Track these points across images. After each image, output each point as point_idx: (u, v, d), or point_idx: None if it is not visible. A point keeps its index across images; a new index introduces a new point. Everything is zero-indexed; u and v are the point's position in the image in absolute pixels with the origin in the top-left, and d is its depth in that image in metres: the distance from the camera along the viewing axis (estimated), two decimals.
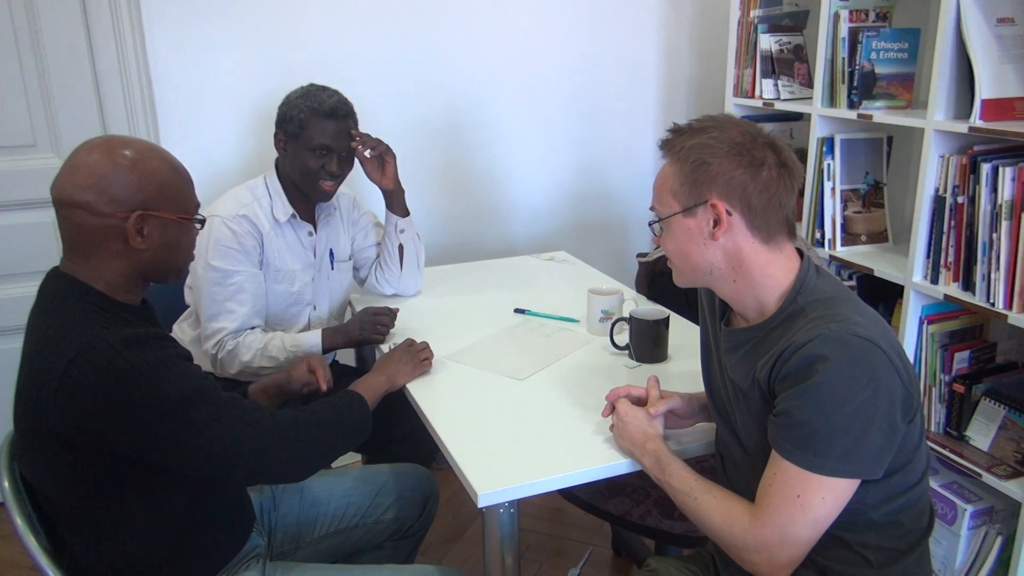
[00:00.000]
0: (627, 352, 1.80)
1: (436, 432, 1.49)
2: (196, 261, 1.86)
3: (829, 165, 2.33)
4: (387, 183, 2.07)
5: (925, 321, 2.09)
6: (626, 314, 1.86)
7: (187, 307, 2.01)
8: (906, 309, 2.09)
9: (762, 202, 1.18)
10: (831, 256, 2.33)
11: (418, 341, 1.74)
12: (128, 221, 1.20)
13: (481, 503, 1.29)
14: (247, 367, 1.84)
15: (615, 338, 1.82)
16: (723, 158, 1.17)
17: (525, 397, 1.62)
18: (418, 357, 1.69)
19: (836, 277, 1.24)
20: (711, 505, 1.20)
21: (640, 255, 2.18)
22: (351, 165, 1.98)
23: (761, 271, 1.21)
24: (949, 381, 2.06)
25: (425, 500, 1.75)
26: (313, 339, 1.88)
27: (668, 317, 1.77)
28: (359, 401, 1.47)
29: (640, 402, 1.43)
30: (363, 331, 1.87)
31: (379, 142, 2.02)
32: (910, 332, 2.10)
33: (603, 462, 1.37)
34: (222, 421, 1.21)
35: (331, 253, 2.08)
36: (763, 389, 1.17)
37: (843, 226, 2.34)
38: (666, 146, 1.24)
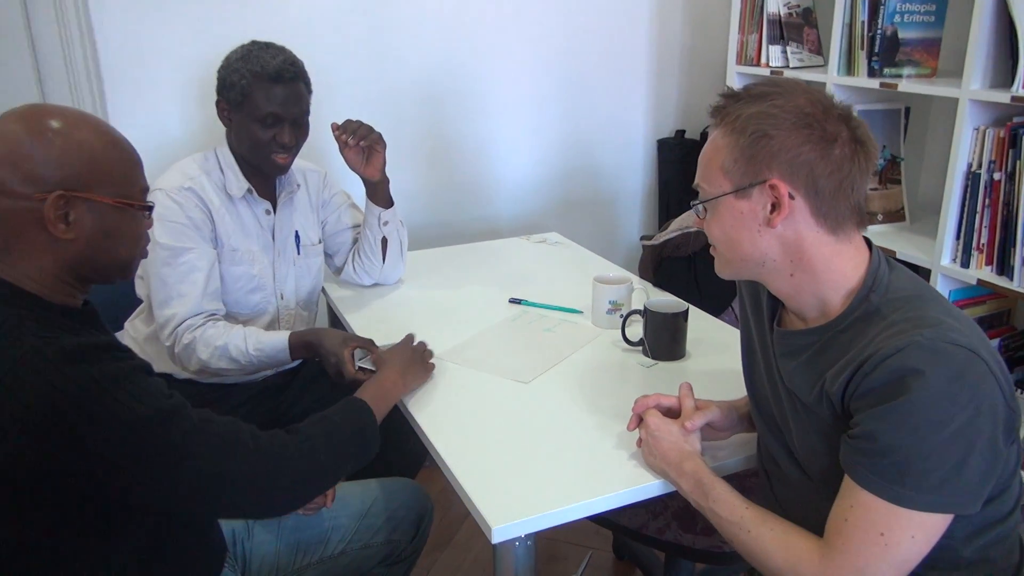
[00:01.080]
0: (640, 348, 1.62)
1: (437, 450, 1.29)
2: None
3: None
4: (373, 174, 1.85)
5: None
6: (636, 305, 1.68)
7: (141, 302, 1.78)
8: None
9: (831, 185, 0.99)
10: None
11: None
12: (46, 203, 0.98)
13: (495, 538, 1.10)
14: (206, 367, 1.62)
15: (627, 333, 1.63)
16: (788, 131, 0.98)
17: (532, 404, 1.43)
18: (426, 358, 1.51)
19: (911, 271, 1.07)
20: (769, 540, 1.02)
21: (644, 238, 2.00)
22: (306, 132, 1.74)
23: (825, 265, 1.03)
24: None
25: (419, 520, 1.56)
26: (280, 343, 1.63)
27: (687, 310, 1.58)
28: (364, 413, 1.27)
29: (672, 413, 1.25)
30: (337, 364, 1.54)
31: (370, 130, 1.80)
32: None
33: (632, 483, 1.19)
34: (194, 448, 1.00)
35: (297, 236, 1.85)
36: (835, 404, 0.99)
37: None
38: (719, 113, 1.04)
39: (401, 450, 1.80)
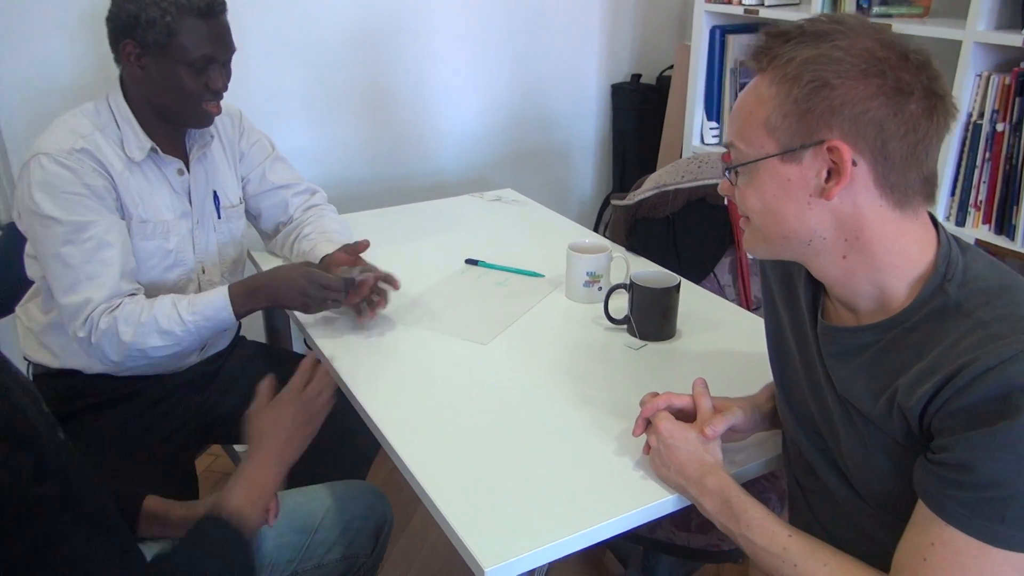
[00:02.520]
0: (626, 327, 1.43)
1: (407, 467, 1.08)
2: (28, 218, 1.34)
3: None
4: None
5: None
6: (615, 277, 1.49)
7: (32, 283, 1.49)
8: None
9: (904, 149, 0.80)
10: None
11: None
12: None
13: None
14: (131, 350, 1.35)
15: (610, 309, 1.44)
16: (854, 80, 0.79)
17: (512, 397, 1.23)
18: (314, 408, 1.16)
19: (987, 254, 0.90)
20: None
21: (615, 196, 1.80)
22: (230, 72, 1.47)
23: (887, 246, 0.84)
24: None
25: (378, 530, 1.35)
26: (219, 300, 1.39)
27: (679, 284, 1.40)
28: (231, 548, 0.96)
29: (684, 416, 1.07)
30: (307, 301, 1.40)
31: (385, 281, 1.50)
32: None
33: (642, 500, 1.01)
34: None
35: (215, 197, 1.57)
36: (911, 421, 0.82)
37: None
38: (764, 56, 0.83)
39: (350, 446, 1.58)
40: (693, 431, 1.02)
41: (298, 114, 2.30)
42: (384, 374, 1.30)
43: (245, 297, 1.41)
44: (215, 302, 1.39)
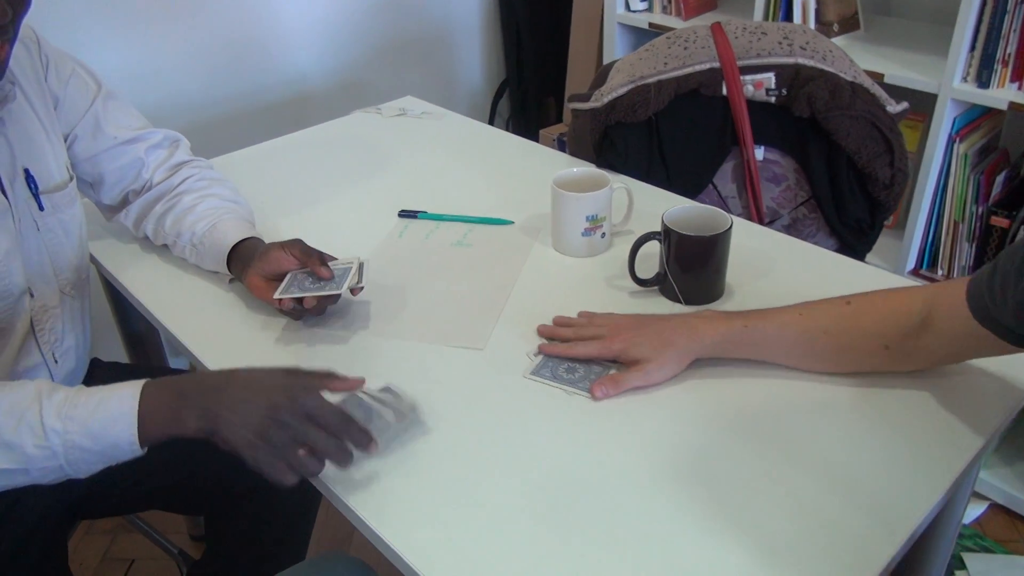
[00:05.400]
0: (657, 288, 1.05)
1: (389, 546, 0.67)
2: None
3: None
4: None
5: (956, 139, 1.54)
6: (615, 217, 1.09)
7: None
8: (937, 127, 1.51)
9: None
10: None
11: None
12: None
13: None
14: None
15: (636, 270, 1.04)
16: None
17: (541, 430, 0.83)
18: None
19: None
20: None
21: (577, 98, 1.37)
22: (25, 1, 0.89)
23: None
24: (984, 213, 1.56)
25: None
26: (116, 403, 0.76)
27: (731, 225, 1.01)
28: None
29: None
30: (269, 432, 0.75)
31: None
32: (936, 156, 1.55)
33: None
34: None
35: (30, 180, 1.01)
36: None
37: (816, 12, 1.67)
38: None
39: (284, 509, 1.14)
40: None
41: (91, 30, 1.66)
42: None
43: (164, 405, 0.77)
44: (108, 408, 0.76)
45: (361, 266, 1.00)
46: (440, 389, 0.89)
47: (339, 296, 0.99)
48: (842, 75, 1.27)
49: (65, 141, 1.09)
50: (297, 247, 1.02)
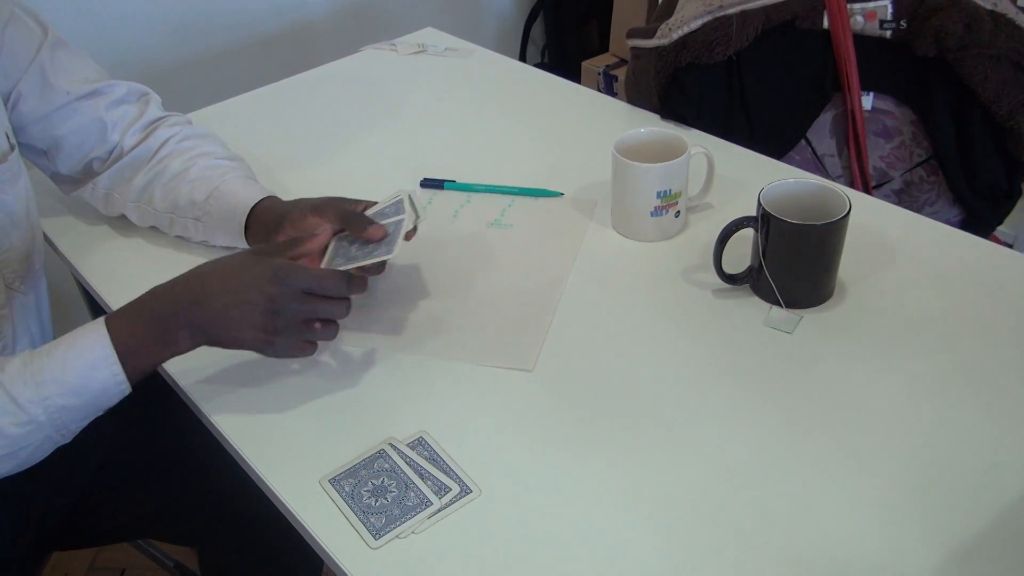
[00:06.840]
0: (747, 284, 0.82)
1: None
2: None
3: None
4: None
5: None
6: (691, 191, 0.86)
7: None
8: None
9: None
10: None
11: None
12: None
13: None
14: None
15: (723, 263, 0.81)
16: None
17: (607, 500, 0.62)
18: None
19: None
20: None
21: (637, 33, 1.11)
22: None
23: None
24: None
25: None
26: (88, 351, 0.68)
27: (850, 208, 0.77)
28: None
29: None
30: (274, 326, 0.70)
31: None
32: None
33: None
34: None
35: None
36: None
37: None
38: None
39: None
40: None
41: None
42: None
43: (143, 334, 0.69)
44: (80, 356, 0.67)
45: (412, 201, 0.79)
46: (478, 430, 0.68)
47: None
48: (980, 1, 1.00)
49: (7, 103, 0.88)
50: (332, 211, 0.81)
